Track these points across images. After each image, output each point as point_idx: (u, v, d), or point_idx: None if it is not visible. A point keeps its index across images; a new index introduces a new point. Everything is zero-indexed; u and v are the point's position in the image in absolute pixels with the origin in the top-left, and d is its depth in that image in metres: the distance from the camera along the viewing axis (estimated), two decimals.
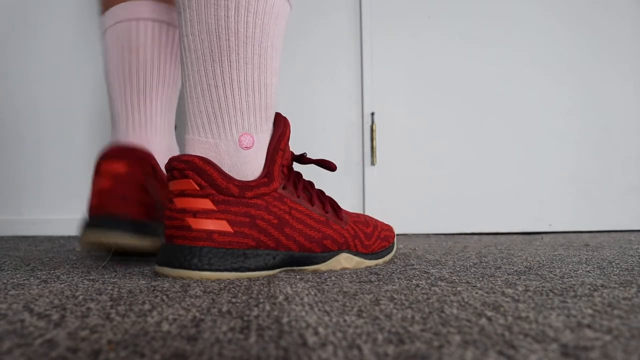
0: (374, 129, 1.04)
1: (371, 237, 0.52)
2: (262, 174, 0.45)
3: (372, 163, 1.04)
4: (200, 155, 0.44)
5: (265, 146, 0.46)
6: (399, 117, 1.05)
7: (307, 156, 0.54)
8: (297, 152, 1.02)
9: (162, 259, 0.43)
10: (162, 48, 0.61)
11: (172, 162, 0.43)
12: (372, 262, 0.52)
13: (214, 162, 0.44)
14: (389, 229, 0.57)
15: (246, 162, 0.45)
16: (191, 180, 0.43)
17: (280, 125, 0.47)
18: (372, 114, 1.04)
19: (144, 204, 0.54)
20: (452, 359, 0.19)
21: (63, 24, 1.03)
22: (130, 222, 0.52)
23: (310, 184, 0.51)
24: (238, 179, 0.44)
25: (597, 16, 1.10)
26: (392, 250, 0.56)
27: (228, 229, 0.42)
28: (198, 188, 0.43)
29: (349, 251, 0.50)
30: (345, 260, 0.49)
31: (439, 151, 1.05)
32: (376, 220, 0.56)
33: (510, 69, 1.07)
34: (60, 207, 1.02)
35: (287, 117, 0.52)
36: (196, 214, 0.42)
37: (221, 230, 0.42)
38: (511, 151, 1.06)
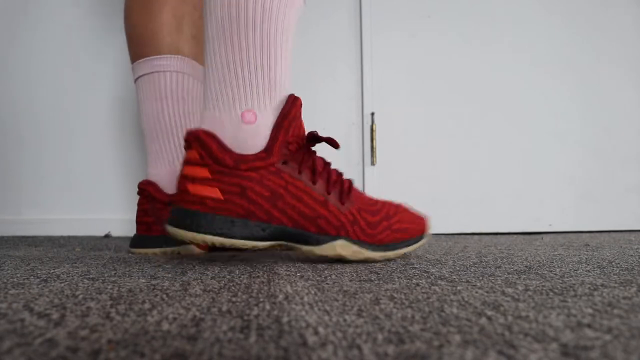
0: (374, 129, 1.04)
1: (376, 227, 0.50)
2: (263, 148, 0.47)
3: (372, 163, 1.04)
4: (207, 128, 0.48)
5: (271, 124, 0.48)
6: (399, 117, 1.05)
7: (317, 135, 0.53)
8: None
9: (169, 218, 0.47)
10: (185, 95, 0.68)
11: (185, 135, 0.48)
12: (376, 254, 0.50)
13: (218, 135, 0.47)
14: (413, 221, 0.53)
15: (247, 137, 0.47)
16: (194, 151, 0.47)
17: (287, 105, 0.49)
18: (372, 114, 1.04)
19: None
20: (452, 358, 0.19)
21: (62, 24, 1.03)
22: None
23: (326, 164, 0.51)
24: (239, 152, 0.47)
25: (597, 16, 1.10)
26: (410, 244, 0.53)
27: (219, 196, 0.45)
28: (199, 157, 0.46)
29: (348, 238, 0.48)
30: (340, 247, 0.48)
31: (439, 151, 1.05)
32: (401, 211, 0.53)
33: (510, 69, 1.07)
34: (60, 207, 1.02)
35: (297, 97, 0.51)
36: (194, 180, 0.46)
37: (213, 197, 0.45)
38: (511, 151, 1.06)
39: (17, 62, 1.03)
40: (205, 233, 0.45)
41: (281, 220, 0.47)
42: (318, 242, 0.48)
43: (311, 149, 0.50)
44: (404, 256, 0.58)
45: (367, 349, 0.21)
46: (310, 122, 1.04)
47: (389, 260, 0.52)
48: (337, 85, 1.05)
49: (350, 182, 0.52)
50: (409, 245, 0.53)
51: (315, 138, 0.50)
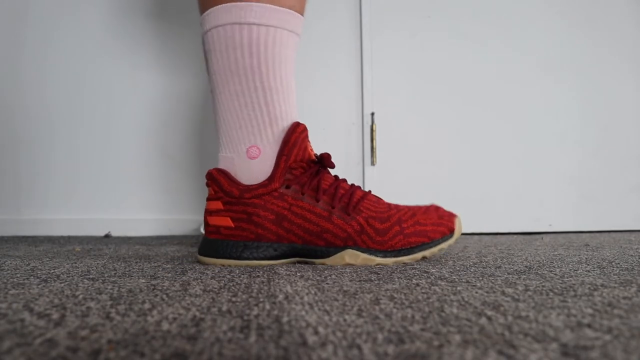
0: (374, 129, 1.04)
1: (386, 233, 0.51)
2: (267, 177, 0.52)
3: (372, 163, 1.04)
4: (222, 167, 0.55)
5: (275, 153, 0.53)
6: (399, 117, 1.05)
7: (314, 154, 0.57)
8: None
9: (199, 246, 0.55)
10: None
11: (205, 175, 0.55)
12: (388, 260, 0.50)
13: (230, 172, 0.54)
14: (436, 222, 0.53)
15: (253, 170, 0.53)
16: (210, 188, 0.54)
17: (287, 133, 0.53)
18: (372, 114, 1.04)
19: None
20: (452, 358, 0.19)
21: (60, 24, 1.03)
22: None
23: (336, 181, 0.54)
24: (250, 183, 0.53)
25: (598, 16, 1.10)
26: (428, 248, 0.52)
27: (231, 224, 0.52)
28: (213, 193, 0.53)
29: (356, 247, 0.50)
30: (349, 257, 0.50)
31: (439, 151, 1.05)
32: (422, 213, 0.53)
33: (510, 69, 1.07)
34: (60, 207, 1.02)
35: (299, 123, 0.53)
36: (211, 213, 0.53)
37: (226, 225, 0.52)
38: (511, 151, 1.06)
39: (17, 62, 1.03)
40: (221, 257, 0.51)
41: (290, 239, 0.51)
42: (327, 254, 0.51)
43: (320, 169, 0.54)
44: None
45: (367, 348, 0.21)
46: (310, 122, 1.04)
47: (405, 264, 0.52)
48: (337, 85, 1.05)
49: (363, 194, 0.54)
50: (427, 249, 0.52)
51: (319, 160, 0.54)
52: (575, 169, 1.07)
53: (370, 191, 0.56)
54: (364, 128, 1.04)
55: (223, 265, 0.50)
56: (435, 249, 0.52)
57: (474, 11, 1.07)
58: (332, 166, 0.54)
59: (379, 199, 0.55)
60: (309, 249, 0.51)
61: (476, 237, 0.94)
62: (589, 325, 0.24)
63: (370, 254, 0.50)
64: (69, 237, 0.94)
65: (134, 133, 1.03)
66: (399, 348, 0.21)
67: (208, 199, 0.54)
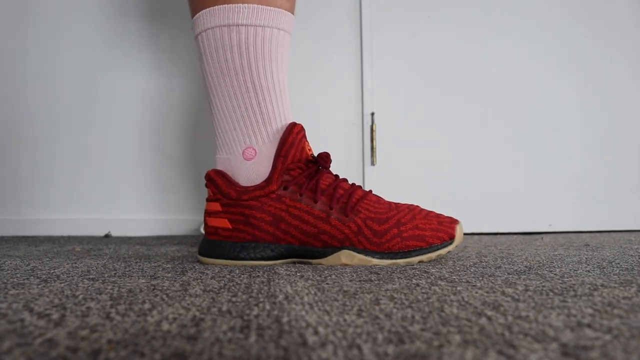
0: (374, 129, 1.04)
1: (383, 235, 0.50)
2: (265, 178, 0.53)
3: (372, 163, 1.04)
4: (220, 169, 0.55)
5: (271, 154, 0.53)
6: (399, 117, 1.05)
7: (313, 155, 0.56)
8: None
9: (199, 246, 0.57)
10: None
11: (205, 176, 0.56)
12: (384, 262, 0.50)
13: (228, 173, 0.54)
14: (436, 228, 0.52)
15: (250, 171, 0.53)
16: (209, 189, 0.55)
17: (284, 134, 0.53)
18: (372, 114, 1.04)
19: None
20: (452, 358, 0.19)
21: (60, 24, 1.03)
22: None
23: (335, 180, 0.53)
24: (246, 185, 0.53)
25: (598, 15, 1.10)
26: (425, 253, 0.51)
27: (228, 225, 0.52)
28: (212, 194, 0.54)
29: (353, 248, 0.50)
30: (345, 257, 0.50)
31: (439, 151, 1.05)
32: (422, 217, 0.53)
33: (510, 69, 1.07)
34: (60, 207, 1.02)
35: (296, 124, 0.54)
36: (210, 214, 0.54)
37: (224, 227, 0.53)
38: (511, 151, 1.06)
39: (17, 62, 1.03)
40: (218, 258, 0.53)
41: (287, 240, 0.51)
42: (324, 255, 0.51)
43: (319, 169, 0.53)
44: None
45: (367, 348, 0.21)
46: (310, 122, 1.04)
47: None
48: (337, 85, 1.05)
49: (363, 194, 0.53)
50: (425, 254, 0.51)
51: (316, 160, 0.53)
52: (575, 169, 1.07)
53: (370, 191, 0.55)
54: (364, 128, 1.04)
55: (222, 265, 0.51)
56: (433, 255, 0.52)
57: (475, 11, 1.07)
58: (328, 166, 0.54)
59: (379, 199, 0.54)
60: (306, 249, 0.51)
61: (476, 237, 0.94)
62: (589, 325, 0.24)
63: (367, 255, 0.50)
64: (69, 237, 0.94)
65: (134, 133, 1.03)
66: (399, 348, 0.21)
67: (207, 200, 0.55)
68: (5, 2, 1.03)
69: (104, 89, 1.03)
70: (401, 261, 0.51)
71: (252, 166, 0.53)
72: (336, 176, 0.55)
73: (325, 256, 0.51)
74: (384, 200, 0.55)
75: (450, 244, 0.53)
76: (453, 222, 0.54)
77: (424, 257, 0.51)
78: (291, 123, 0.54)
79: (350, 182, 1.04)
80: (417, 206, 0.56)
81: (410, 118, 1.05)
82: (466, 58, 1.07)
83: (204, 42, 0.54)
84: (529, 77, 1.08)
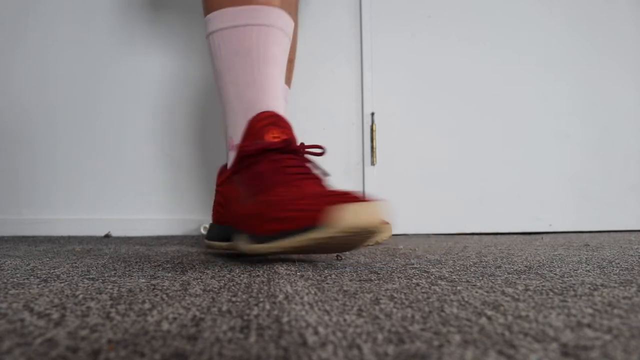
0: (374, 129, 1.04)
1: (259, 218, 0.45)
2: None
3: (372, 163, 1.04)
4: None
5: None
6: (399, 117, 1.05)
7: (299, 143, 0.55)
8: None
9: None
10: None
11: None
12: (250, 247, 0.45)
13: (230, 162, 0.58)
14: (310, 209, 0.41)
15: (230, 160, 0.57)
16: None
17: (249, 122, 0.55)
18: (372, 114, 1.04)
19: None
20: (452, 358, 0.19)
21: (61, 23, 1.03)
22: None
23: (275, 165, 0.50)
24: None
25: (598, 15, 1.10)
26: (288, 236, 0.42)
27: (215, 209, 0.60)
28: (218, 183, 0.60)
29: (246, 232, 0.47)
30: (241, 243, 0.48)
31: (439, 151, 1.05)
32: (300, 196, 0.43)
33: (510, 69, 1.07)
34: (60, 207, 1.02)
35: (266, 112, 0.54)
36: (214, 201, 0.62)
37: (213, 211, 0.61)
38: (511, 151, 1.06)
39: (18, 62, 1.03)
40: (206, 238, 0.61)
41: (229, 222, 0.54)
42: (237, 238, 0.51)
43: (264, 153, 0.51)
44: (404, 256, 0.58)
45: (367, 348, 0.21)
46: (310, 122, 1.04)
47: (261, 255, 0.49)
48: (337, 85, 1.05)
49: (277, 179, 0.48)
50: (283, 238, 0.42)
51: (268, 147, 0.51)
52: (575, 169, 1.07)
53: (301, 175, 0.49)
54: (364, 128, 1.04)
55: (222, 264, 0.51)
56: (287, 244, 0.43)
57: (474, 12, 1.07)
58: (290, 150, 0.51)
59: (302, 182, 0.47)
60: (234, 231, 0.52)
61: (476, 237, 0.94)
62: (589, 325, 0.24)
63: (248, 239, 0.46)
64: (69, 237, 0.94)
65: (134, 133, 1.03)
66: (399, 348, 0.21)
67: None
68: (4, 3, 1.03)
69: (104, 89, 1.03)
70: (261, 247, 0.45)
71: (231, 155, 0.57)
72: (291, 161, 0.50)
73: (237, 240, 0.50)
74: (305, 184, 0.47)
75: (313, 229, 0.41)
76: (315, 208, 0.41)
77: (282, 244, 0.43)
78: (261, 111, 0.54)
79: (350, 182, 1.04)
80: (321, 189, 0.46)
81: (410, 118, 1.05)
82: (466, 58, 1.07)
83: (210, 44, 0.60)
84: (528, 77, 1.08)
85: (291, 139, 0.52)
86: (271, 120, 0.53)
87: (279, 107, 0.56)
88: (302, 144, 0.55)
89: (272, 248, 0.44)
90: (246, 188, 0.51)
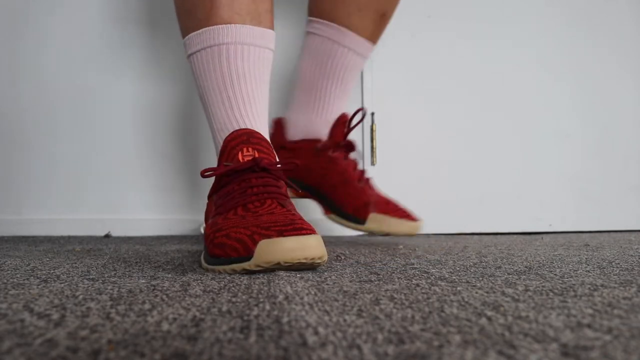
0: (374, 129, 1.04)
1: (208, 239, 0.48)
2: None
3: (372, 163, 1.04)
4: None
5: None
6: (399, 117, 1.05)
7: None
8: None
9: None
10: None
11: None
12: (203, 264, 0.48)
13: None
14: (242, 239, 0.42)
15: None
16: None
17: (222, 143, 0.54)
18: (372, 114, 1.04)
19: None
20: (452, 358, 0.19)
21: (59, 25, 1.03)
22: None
23: (243, 185, 0.49)
24: None
25: (598, 15, 1.10)
26: (222, 263, 0.44)
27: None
28: None
29: (206, 250, 0.49)
30: (201, 258, 0.51)
31: (439, 151, 1.05)
32: (238, 227, 0.44)
33: (510, 69, 1.07)
34: (60, 207, 1.02)
35: (236, 130, 0.54)
36: None
37: None
38: (511, 151, 1.06)
39: (19, 62, 1.03)
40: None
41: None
42: (202, 254, 0.51)
43: (241, 174, 0.50)
44: (404, 256, 0.58)
45: (367, 349, 0.21)
46: None
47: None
48: None
49: (247, 200, 0.48)
50: (216, 265, 0.45)
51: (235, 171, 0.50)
52: (575, 169, 1.07)
53: (271, 200, 0.48)
54: (364, 128, 1.04)
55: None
56: (220, 269, 0.45)
57: (474, 11, 1.07)
58: (260, 168, 0.50)
59: (263, 204, 0.48)
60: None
61: (476, 237, 0.94)
62: (589, 326, 0.24)
63: (205, 256, 0.48)
64: (69, 237, 0.94)
65: (134, 133, 1.03)
66: (399, 348, 0.21)
67: None
68: (3, 5, 1.03)
69: (104, 89, 1.03)
70: (209, 267, 0.47)
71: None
72: (257, 181, 0.49)
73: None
74: (269, 204, 0.48)
75: (242, 260, 0.43)
76: (252, 238, 0.42)
77: (215, 268, 0.45)
78: (233, 130, 0.54)
79: None
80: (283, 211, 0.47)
81: (410, 118, 1.05)
82: (466, 58, 1.07)
83: (191, 62, 0.60)
84: (529, 77, 1.08)
85: (260, 157, 0.50)
86: (243, 139, 0.52)
87: (256, 122, 0.55)
88: (272, 162, 0.51)
89: (215, 270, 0.46)
90: (215, 207, 0.52)
